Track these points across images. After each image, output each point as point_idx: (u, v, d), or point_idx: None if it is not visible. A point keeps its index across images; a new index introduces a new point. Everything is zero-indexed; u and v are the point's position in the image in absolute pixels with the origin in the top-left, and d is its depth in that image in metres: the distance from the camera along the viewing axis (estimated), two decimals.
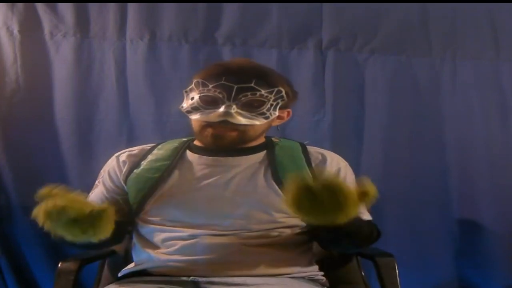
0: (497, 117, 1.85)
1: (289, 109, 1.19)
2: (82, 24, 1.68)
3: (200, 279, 1.00)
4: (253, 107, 1.07)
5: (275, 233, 1.07)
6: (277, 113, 1.11)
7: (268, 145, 1.16)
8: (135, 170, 1.11)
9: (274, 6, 1.75)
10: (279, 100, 1.10)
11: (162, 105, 1.69)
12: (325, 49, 1.78)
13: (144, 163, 1.12)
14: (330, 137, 1.75)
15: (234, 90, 1.05)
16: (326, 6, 1.78)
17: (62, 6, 1.67)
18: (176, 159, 1.12)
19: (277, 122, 1.18)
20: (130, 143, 1.59)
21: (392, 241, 1.70)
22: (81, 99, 1.68)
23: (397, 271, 1.15)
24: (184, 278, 1.01)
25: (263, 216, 1.05)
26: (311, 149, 1.18)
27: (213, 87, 1.06)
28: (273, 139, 1.20)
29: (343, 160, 1.18)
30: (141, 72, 1.70)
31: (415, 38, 1.83)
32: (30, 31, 1.65)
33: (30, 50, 1.65)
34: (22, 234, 1.66)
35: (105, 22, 1.69)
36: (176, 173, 1.10)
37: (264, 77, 1.09)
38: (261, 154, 1.13)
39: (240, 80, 1.06)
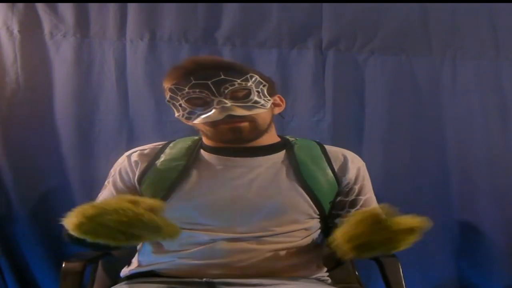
0: (497, 117, 1.85)
1: (279, 95, 1.18)
2: (82, 24, 1.67)
3: (215, 280, 0.99)
4: (241, 97, 1.05)
5: (296, 237, 1.07)
6: (270, 99, 1.09)
7: (286, 145, 1.15)
8: (149, 171, 1.09)
9: (274, 6, 1.75)
10: (261, 86, 1.08)
11: (162, 105, 1.69)
12: (325, 49, 1.78)
13: (158, 163, 1.10)
14: (330, 137, 1.74)
15: (211, 85, 1.03)
16: (326, 6, 1.77)
17: (62, 6, 1.66)
18: (191, 158, 1.10)
19: (277, 110, 1.17)
20: (130, 143, 1.59)
21: None
22: (81, 99, 1.67)
23: (401, 271, 1.16)
24: (197, 279, 1.00)
25: (285, 218, 1.05)
26: (330, 148, 1.18)
27: (189, 88, 1.04)
28: (289, 138, 1.19)
29: (361, 160, 1.19)
30: (141, 72, 1.69)
31: (415, 38, 1.82)
32: (30, 31, 1.65)
33: (30, 50, 1.65)
34: (22, 234, 1.66)
35: (105, 22, 1.68)
36: (194, 174, 1.08)
37: (228, 68, 1.06)
38: (281, 154, 1.13)
39: (208, 76, 1.04)
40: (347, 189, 1.13)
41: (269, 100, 1.09)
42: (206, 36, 1.73)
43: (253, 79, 1.07)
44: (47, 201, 1.66)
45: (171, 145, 1.16)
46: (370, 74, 1.80)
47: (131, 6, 1.69)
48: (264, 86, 1.09)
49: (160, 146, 1.16)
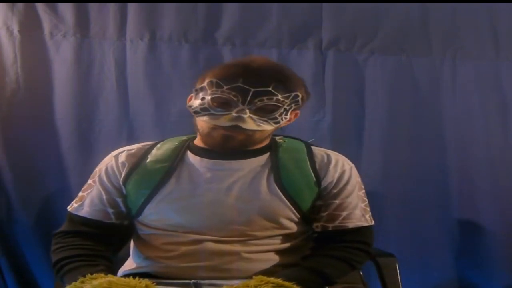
0: (497, 117, 1.85)
1: (297, 111, 1.14)
2: (82, 24, 1.67)
3: (203, 282, 0.99)
4: (266, 111, 1.03)
5: (279, 240, 1.06)
6: (288, 118, 1.08)
7: (272, 147, 1.13)
8: (134, 173, 1.08)
9: (274, 6, 1.75)
10: (293, 105, 1.07)
11: (162, 105, 1.69)
12: (325, 49, 1.78)
13: (144, 164, 1.09)
14: (330, 137, 1.75)
15: (251, 93, 1.00)
16: (326, 6, 1.77)
17: (62, 6, 1.66)
18: (176, 160, 1.09)
19: (283, 124, 1.13)
20: (130, 143, 1.57)
21: (392, 241, 1.70)
22: (81, 99, 1.67)
23: (398, 271, 1.15)
24: (186, 281, 1.00)
25: (265, 223, 1.04)
26: (316, 150, 1.15)
27: (227, 88, 1.01)
28: (277, 139, 1.17)
29: (349, 163, 1.15)
30: (141, 72, 1.69)
31: (415, 38, 1.82)
32: (30, 31, 1.65)
33: (30, 50, 1.65)
34: (22, 234, 1.66)
35: (105, 22, 1.68)
36: (176, 176, 1.07)
37: (284, 81, 1.04)
38: (264, 157, 1.10)
39: (258, 83, 1.01)
40: (325, 193, 1.08)
41: (286, 119, 1.07)
42: (206, 36, 1.73)
43: (293, 96, 1.05)
44: (47, 201, 1.66)
45: (158, 146, 1.14)
46: (370, 74, 1.80)
47: (131, 6, 1.69)
48: (297, 105, 1.07)
49: (148, 146, 1.15)
